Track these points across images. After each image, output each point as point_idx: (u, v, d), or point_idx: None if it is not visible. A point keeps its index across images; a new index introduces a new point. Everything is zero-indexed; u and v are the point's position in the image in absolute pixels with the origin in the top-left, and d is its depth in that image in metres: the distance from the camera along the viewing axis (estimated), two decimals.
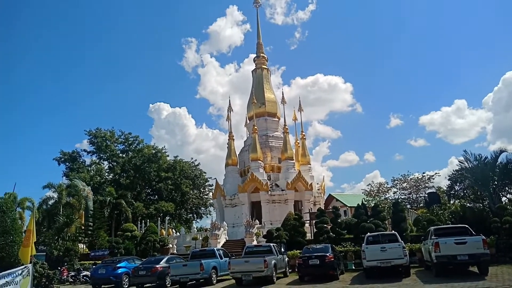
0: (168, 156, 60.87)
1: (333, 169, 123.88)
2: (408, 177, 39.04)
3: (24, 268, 8.72)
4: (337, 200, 49.43)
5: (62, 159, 55.42)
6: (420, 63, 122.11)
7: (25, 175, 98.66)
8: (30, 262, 9.00)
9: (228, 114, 43.42)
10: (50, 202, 38.95)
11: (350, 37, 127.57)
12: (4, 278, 7.94)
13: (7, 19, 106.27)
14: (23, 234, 11.37)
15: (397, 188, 39.35)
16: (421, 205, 36.65)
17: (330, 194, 51.23)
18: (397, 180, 39.38)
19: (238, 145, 44.22)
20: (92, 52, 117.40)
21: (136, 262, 21.56)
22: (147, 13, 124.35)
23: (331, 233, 24.92)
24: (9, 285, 7.99)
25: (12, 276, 8.27)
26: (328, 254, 16.42)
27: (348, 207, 42.79)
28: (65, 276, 24.11)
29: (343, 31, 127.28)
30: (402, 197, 38.64)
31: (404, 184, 39.03)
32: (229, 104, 43.79)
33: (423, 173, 39.00)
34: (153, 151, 58.45)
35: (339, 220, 26.19)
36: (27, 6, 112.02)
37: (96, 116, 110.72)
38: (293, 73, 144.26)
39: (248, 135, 43.98)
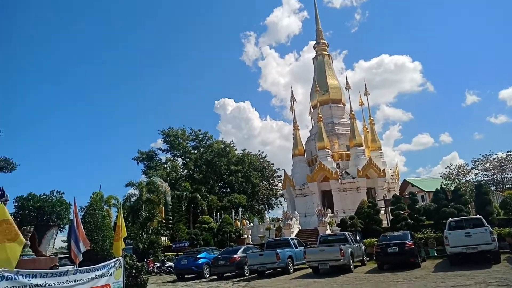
0: (236, 149, 62.31)
1: (407, 153, 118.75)
2: (491, 157, 36.35)
3: (116, 260, 9.46)
4: (413, 185, 47.24)
5: (140, 158, 58.89)
6: (496, 32, 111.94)
7: (109, 175, 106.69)
8: (121, 255, 9.75)
9: (291, 104, 43.33)
10: (133, 199, 41.69)
11: (415, 12, 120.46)
12: (101, 270, 8.72)
13: (77, 22, 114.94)
14: (112, 229, 12.35)
15: (478, 170, 36.84)
16: (508, 186, 34.06)
17: (405, 180, 49.16)
18: (478, 161, 36.86)
19: (304, 134, 44.04)
20: (157, 56, 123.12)
21: (215, 252, 22.37)
22: (205, 12, 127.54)
23: (408, 220, 23.98)
24: (105, 276, 8.75)
25: (107, 268, 9.02)
26: (407, 241, 15.88)
27: (426, 192, 40.82)
28: (151, 267, 25.72)
29: (406, 7, 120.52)
30: (485, 178, 36.11)
31: (487, 165, 36.41)
32: (292, 94, 43.67)
33: (508, 152, 36.04)
34: (222, 146, 60.13)
35: (416, 206, 25.07)
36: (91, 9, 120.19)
37: (168, 116, 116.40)
38: (356, 56, 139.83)
39: (313, 124, 43.55)
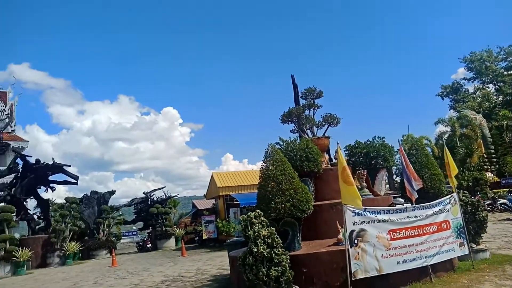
0: None
1: None
2: None
3: (450, 197, 9.57)
4: None
5: (444, 93, 56.06)
6: None
7: (413, 116, 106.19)
8: (455, 192, 9.78)
9: None
10: (445, 136, 40.26)
11: None
12: (437, 206, 9.11)
13: None
14: (438, 167, 12.21)
15: None
16: None
17: None
18: None
19: None
20: None
21: None
22: None
23: None
24: (442, 212, 9.14)
25: (443, 204, 9.30)
26: None
27: None
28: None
29: None
30: None
31: None
32: None
33: None
34: None
35: None
36: None
37: (465, 42, 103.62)
38: None
39: None
